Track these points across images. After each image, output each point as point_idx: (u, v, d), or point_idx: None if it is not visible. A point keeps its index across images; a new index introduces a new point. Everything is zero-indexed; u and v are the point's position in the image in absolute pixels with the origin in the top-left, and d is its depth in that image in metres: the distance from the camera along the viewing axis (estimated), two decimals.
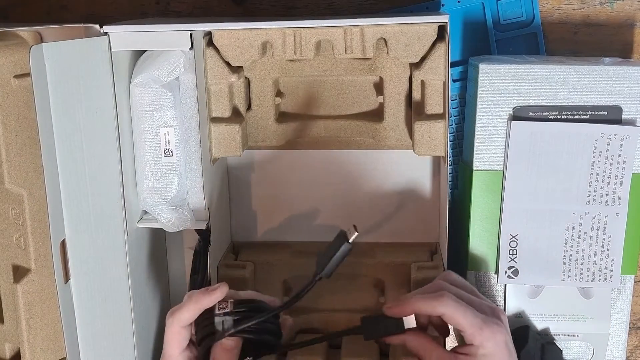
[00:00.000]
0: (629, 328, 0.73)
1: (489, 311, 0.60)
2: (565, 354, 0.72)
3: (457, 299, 0.60)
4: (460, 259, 0.73)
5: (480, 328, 0.59)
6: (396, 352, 0.72)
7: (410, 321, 0.61)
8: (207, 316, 0.60)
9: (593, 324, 0.72)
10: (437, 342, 0.62)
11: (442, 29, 0.66)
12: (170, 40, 0.64)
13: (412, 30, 0.66)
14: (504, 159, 0.69)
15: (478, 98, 0.69)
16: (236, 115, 0.71)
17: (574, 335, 0.72)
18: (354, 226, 0.61)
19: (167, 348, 0.61)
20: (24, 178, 0.58)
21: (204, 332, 0.60)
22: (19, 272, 0.59)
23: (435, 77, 0.67)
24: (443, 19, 0.65)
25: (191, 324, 0.61)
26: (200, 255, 0.71)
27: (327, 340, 0.69)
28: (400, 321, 0.61)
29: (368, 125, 0.74)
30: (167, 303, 0.78)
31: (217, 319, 0.60)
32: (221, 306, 0.60)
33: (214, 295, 0.61)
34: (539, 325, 0.72)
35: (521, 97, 0.68)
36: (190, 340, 0.62)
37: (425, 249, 0.77)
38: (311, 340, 0.65)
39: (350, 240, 0.61)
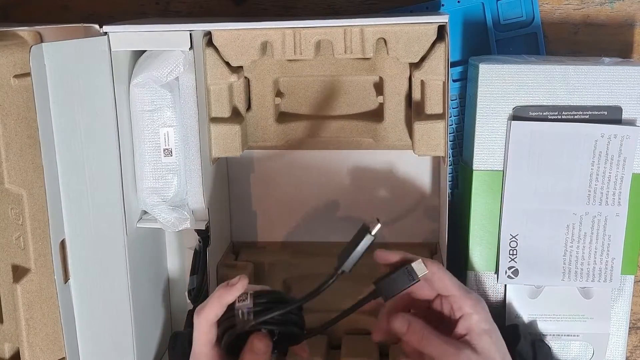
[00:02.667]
0: (629, 328, 0.73)
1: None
2: (565, 354, 0.72)
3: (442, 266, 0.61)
4: (460, 259, 0.73)
5: (468, 293, 0.60)
6: (396, 352, 0.72)
7: (420, 269, 0.59)
8: (228, 308, 0.60)
9: (593, 324, 0.72)
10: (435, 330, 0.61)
11: (442, 29, 0.66)
12: (170, 40, 0.65)
13: (412, 30, 0.66)
14: (504, 159, 0.69)
15: (478, 98, 0.69)
16: (236, 115, 0.71)
17: (574, 335, 0.72)
18: (377, 219, 0.60)
19: (197, 346, 0.60)
20: (23, 178, 0.58)
21: (225, 324, 0.60)
22: (19, 272, 0.59)
23: (435, 77, 0.67)
24: (443, 19, 0.65)
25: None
26: (200, 255, 0.71)
27: (346, 315, 0.66)
28: (411, 270, 0.59)
29: (368, 125, 0.74)
30: (167, 303, 0.78)
31: (236, 311, 0.59)
32: (241, 298, 0.60)
33: (235, 289, 0.60)
34: (539, 325, 0.72)
35: (521, 97, 0.68)
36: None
37: (425, 249, 0.77)
38: (332, 321, 0.63)
39: (373, 233, 0.59)
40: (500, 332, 0.61)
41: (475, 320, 0.59)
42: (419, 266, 0.59)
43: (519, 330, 0.69)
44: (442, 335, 0.59)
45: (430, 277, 0.60)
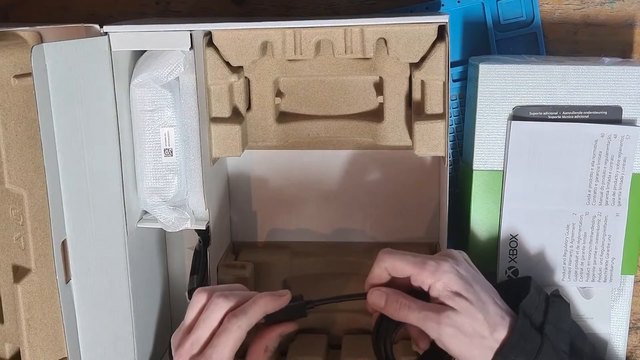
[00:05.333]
0: (629, 328, 0.73)
1: (436, 257, 0.60)
2: None
3: (393, 250, 0.60)
4: None
5: (423, 263, 0.59)
6: (396, 352, 0.72)
7: None
8: None
9: (593, 324, 0.72)
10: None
11: (442, 29, 0.66)
12: (170, 40, 0.64)
13: (412, 30, 0.66)
14: (504, 159, 0.69)
15: (478, 98, 0.69)
16: (236, 115, 0.71)
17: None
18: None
19: (224, 351, 0.57)
20: (24, 178, 0.58)
21: None
22: (19, 272, 0.59)
23: (435, 77, 0.67)
24: (443, 19, 0.65)
25: None
26: (200, 255, 0.71)
27: (349, 299, 0.66)
28: None
29: (368, 125, 0.74)
30: (167, 303, 0.78)
31: None
32: None
33: (281, 300, 0.60)
34: None
35: (521, 97, 0.68)
36: None
37: (425, 249, 0.77)
38: (334, 298, 0.64)
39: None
40: (509, 284, 0.61)
41: (440, 288, 0.58)
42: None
43: (529, 283, 0.64)
44: (420, 301, 0.59)
45: (388, 271, 0.60)
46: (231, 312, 0.58)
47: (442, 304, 0.58)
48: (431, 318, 0.58)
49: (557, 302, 0.63)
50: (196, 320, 0.59)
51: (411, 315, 0.59)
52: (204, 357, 0.57)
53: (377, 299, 0.60)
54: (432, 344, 0.61)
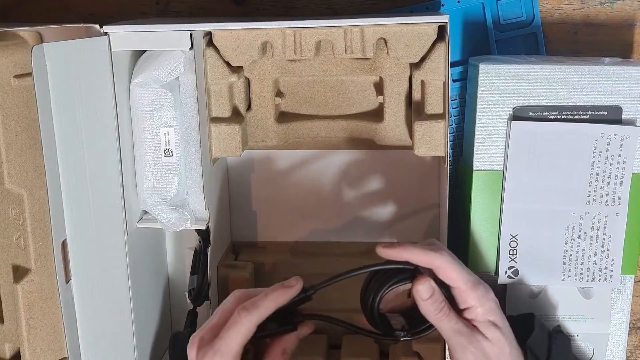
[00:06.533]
0: (629, 328, 0.73)
1: (483, 282, 0.61)
2: None
3: (452, 256, 0.60)
4: (460, 259, 0.73)
5: (475, 285, 0.59)
6: (396, 352, 0.72)
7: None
8: None
9: (593, 324, 0.72)
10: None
11: (442, 29, 0.66)
12: (170, 40, 0.64)
13: (412, 30, 0.66)
14: (504, 159, 0.69)
15: (478, 98, 0.69)
16: (236, 115, 0.71)
17: (574, 335, 0.72)
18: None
19: (232, 343, 0.57)
20: (24, 178, 0.58)
21: None
22: (19, 272, 0.59)
23: (435, 77, 0.67)
24: (443, 19, 0.65)
25: None
26: (200, 255, 0.71)
27: (350, 275, 0.64)
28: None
29: (368, 125, 0.74)
30: (167, 303, 0.78)
31: None
32: None
33: (293, 290, 0.60)
34: None
35: (521, 97, 0.68)
36: None
37: None
38: (332, 278, 0.63)
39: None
40: (513, 321, 0.61)
41: (480, 313, 0.59)
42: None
43: (534, 320, 0.67)
44: (455, 313, 0.60)
45: (435, 271, 0.60)
46: (242, 305, 0.58)
47: (475, 327, 0.59)
48: (463, 334, 0.59)
49: (560, 338, 0.67)
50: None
51: (446, 322, 0.59)
52: (212, 348, 0.57)
53: (424, 290, 0.59)
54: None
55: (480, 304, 0.59)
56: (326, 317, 0.64)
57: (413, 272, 0.60)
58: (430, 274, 0.60)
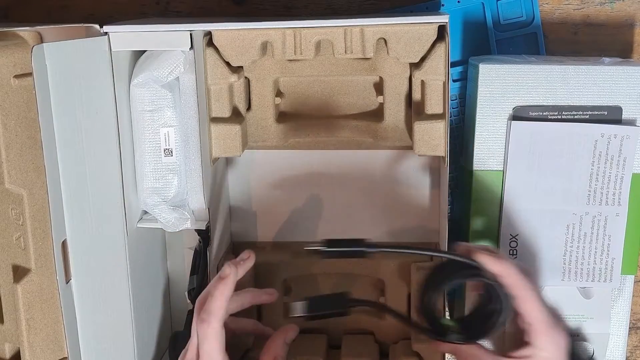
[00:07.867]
0: (629, 328, 0.73)
1: (552, 310, 0.56)
2: None
3: (526, 279, 0.55)
4: None
5: (549, 327, 0.54)
6: (396, 352, 0.72)
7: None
8: None
9: (593, 324, 0.72)
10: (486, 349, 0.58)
11: (442, 29, 0.66)
12: (170, 40, 0.64)
13: (412, 30, 0.66)
14: (504, 159, 0.69)
15: (478, 98, 0.69)
16: (236, 115, 0.71)
17: (574, 335, 0.72)
18: None
19: (211, 352, 0.55)
20: (24, 178, 0.58)
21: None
22: (19, 272, 0.59)
23: (435, 77, 0.67)
24: (443, 19, 0.65)
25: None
26: (200, 255, 0.71)
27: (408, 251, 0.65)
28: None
29: (368, 125, 0.74)
30: (167, 303, 0.78)
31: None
32: None
33: (246, 265, 0.59)
34: None
35: (521, 97, 0.68)
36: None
37: None
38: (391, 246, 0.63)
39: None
40: None
41: (541, 358, 0.55)
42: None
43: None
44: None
45: (516, 299, 0.56)
46: (198, 318, 0.57)
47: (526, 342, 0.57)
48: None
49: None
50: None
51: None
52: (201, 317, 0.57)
53: (463, 352, 0.57)
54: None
55: (545, 349, 0.55)
56: (378, 305, 0.64)
57: (476, 273, 0.58)
58: (493, 277, 0.57)
